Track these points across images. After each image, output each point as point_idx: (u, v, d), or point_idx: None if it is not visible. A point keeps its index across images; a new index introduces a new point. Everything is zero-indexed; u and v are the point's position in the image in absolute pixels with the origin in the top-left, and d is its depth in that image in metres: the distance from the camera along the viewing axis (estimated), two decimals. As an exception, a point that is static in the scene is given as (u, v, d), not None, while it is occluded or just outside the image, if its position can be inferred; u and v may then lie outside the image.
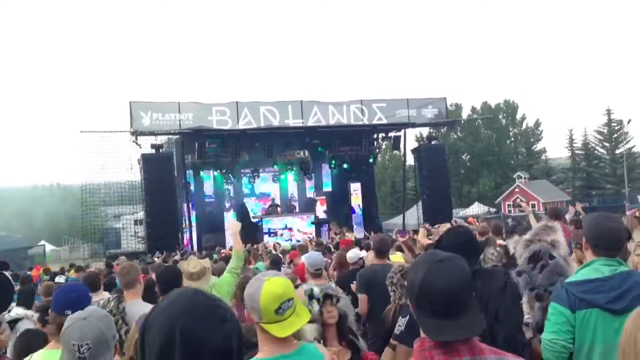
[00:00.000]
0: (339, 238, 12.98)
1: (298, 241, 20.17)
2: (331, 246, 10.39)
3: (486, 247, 5.53)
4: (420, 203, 25.61)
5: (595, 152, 56.02)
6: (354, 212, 26.23)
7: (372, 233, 15.12)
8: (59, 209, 57.89)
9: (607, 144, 54.59)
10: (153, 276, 6.32)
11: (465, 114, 57.56)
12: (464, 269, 1.75)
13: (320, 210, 25.79)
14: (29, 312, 4.63)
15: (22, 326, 4.26)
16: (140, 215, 24.69)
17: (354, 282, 5.19)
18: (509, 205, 46.72)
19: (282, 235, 22.22)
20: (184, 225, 21.89)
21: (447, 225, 7.69)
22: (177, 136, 21.62)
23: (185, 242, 21.26)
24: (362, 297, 4.93)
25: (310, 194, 26.93)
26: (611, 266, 2.59)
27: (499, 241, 6.54)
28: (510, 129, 61.77)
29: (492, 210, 44.56)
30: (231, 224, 5.58)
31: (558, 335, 2.53)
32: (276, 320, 2.09)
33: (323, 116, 22.10)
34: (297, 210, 26.01)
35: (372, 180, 27.45)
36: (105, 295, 4.85)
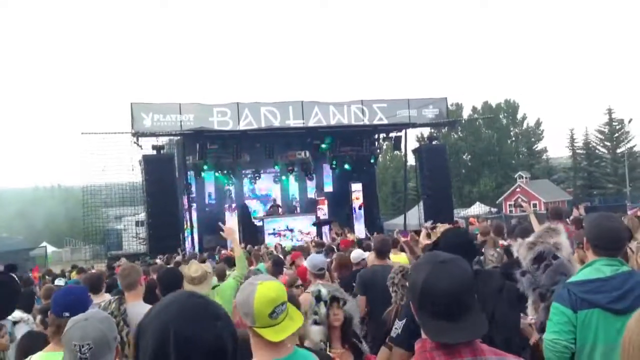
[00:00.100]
0: (340, 238, 12.98)
1: (299, 241, 20.20)
2: (334, 247, 10.38)
3: (486, 248, 5.53)
4: (421, 203, 25.60)
5: (597, 151, 55.96)
6: (355, 212, 26.23)
7: (375, 233, 15.15)
8: (60, 210, 57.90)
9: (608, 144, 54.52)
10: (154, 277, 6.33)
11: (466, 113, 57.52)
12: (466, 270, 1.75)
13: (322, 211, 25.80)
14: (25, 316, 4.63)
15: (19, 329, 4.26)
16: (142, 216, 24.71)
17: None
18: (510, 205, 46.66)
19: (284, 235, 22.25)
20: (185, 227, 21.90)
21: (446, 226, 7.68)
22: (178, 137, 21.63)
23: (188, 244, 21.27)
24: (361, 299, 4.92)
25: (311, 194, 26.94)
26: (613, 266, 2.59)
27: (501, 241, 6.54)
28: (511, 129, 61.71)
29: (494, 210, 44.55)
30: (227, 231, 5.05)
31: (560, 335, 2.53)
32: (270, 324, 2.08)
33: (324, 116, 22.09)
34: (298, 211, 26.02)
35: (373, 181, 27.45)
36: (107, 297, 4.85)
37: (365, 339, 4.01)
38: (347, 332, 3.16)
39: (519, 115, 61.70)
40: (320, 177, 26.78)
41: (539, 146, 60.65)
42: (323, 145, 23.93)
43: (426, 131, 28.33)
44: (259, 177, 25.36)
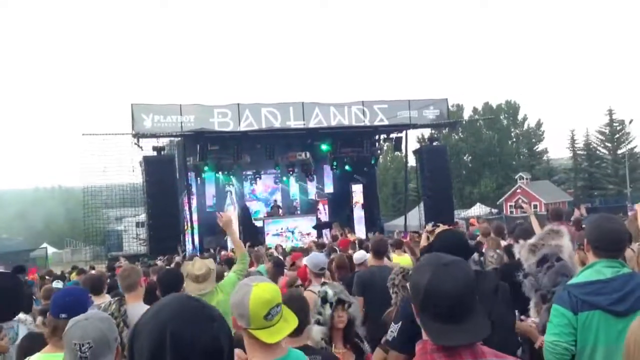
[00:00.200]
0: (341, 239, 12.95)
1: (299, 242, 20.21)
2: (335, 247, 10.37)
3: (487, 249, 5.53)
4: (422, 204, 25.58)
5: (597, 152, 55.94)
6: (356, 213, 26.22)
7: (373, 233, 15.15)
8: (60, 211, 57.94)
9: (609, 144, 54.49)
10: (154, 279, 6.33)
11: (466, 114, 57.49)
12: (468, 272, 1.75)
13: (322, 212, 25.81)
14: (23, 317, 4.63)
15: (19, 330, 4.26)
16: (142, 217, 24.70)
17: None
18: (510, 206, 46.63)
19: (285, 236, 22.28)
20: (185, 228, 21.89)
21: (446, 227, 7.68)
22: (179, 138, 21.62)
23: (188, 245, 21.26)
24: (359, 299, 4.91)
25: (311, 195, 26.94)
26: (613, 268, 2.58)
27: (503, 242, 6.54)
28: (512, 130, 61.71)
29: (494, 211, 44.48)
30: (224, 220, 4.82)
31: (560, 337, 2.52)
32: (265, 326, 2.07)
33: (324, 118, 22.08)
34: (299, 211, 26.04)
35: (373, 182, 27.44)
36: (108, 298, 4.85)
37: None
38: (350, 332, 3.19)
39: (520, 116, 61.70)
40: (320, 178, 26.78)
41: (540, 147, 60.67)
42: (323, 147, 23.93)
43: (427, 132, 28.31)
44: (260, 178, 25.37)
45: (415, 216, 26.98)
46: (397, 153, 32.12)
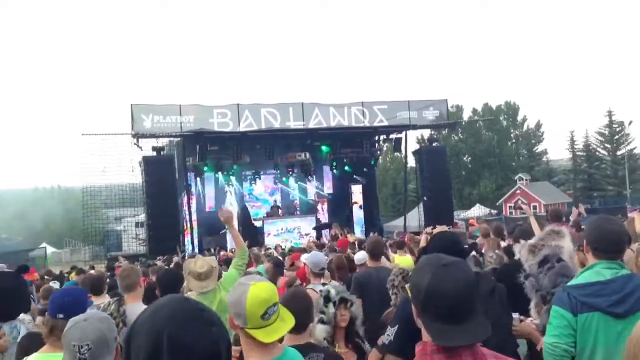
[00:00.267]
0: (340, 238, 12.95)
1: (298, 243, 20.21)
2: (335, 247, 10.38)
3: (486, 250, 5.53)
4: (421, 205, 25.59)
5: (597, 153, 55.95)
6: (355, 214, 26.24)
7: (374, 234, 15.14)
8: (59, 211, 57.88)
9: (609, 146, 54.51)
10: (154, 279, 6.33)
11: (466, 115, 57.52)
12: (469, 273, 1.75)
13: (322, 212, 25.82)
14: (22, 316, 4.64)
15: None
16: (142, 217, 24.70)
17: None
18: (510, 207, 46.66)
19: (286, 236, 22.28)
20: (184, 228, 21.89)
21: (444, 228, 7.69)
22: (179, 138, 21.62)
23: (188, 246, 21.25)
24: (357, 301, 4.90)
25: (311, 196, 26.95)
26: (613, 269, 2.58)
27: (502, 243, 6.54)
28: (512, 131, 61.75)
29: (494, 212, 44.49)
30: (224, 214, 4.77)
31: (559, 339, 2.52)
32: (262, 325, 2.07)
33: (324, 118, 22.09)
34: (299, 212, 26.05)
35: (373, 182, 27.46)
36: (107, 298, 4.84)
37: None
38: (351, 332, 3.21)
39: (519, 117, 61.75)
40: (320, 178, 26.80)
41: (539, 148, 60.72)
42: (323, 147, 23.94)
43: (426, 133, 28.34)
44: (259, 179, 25.39)
45: (415, 217, 26.98)
46: (396, 154, 32.12)
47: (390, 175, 59.80)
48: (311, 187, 26.82)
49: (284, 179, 25.98)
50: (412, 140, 49.90)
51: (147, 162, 20.61)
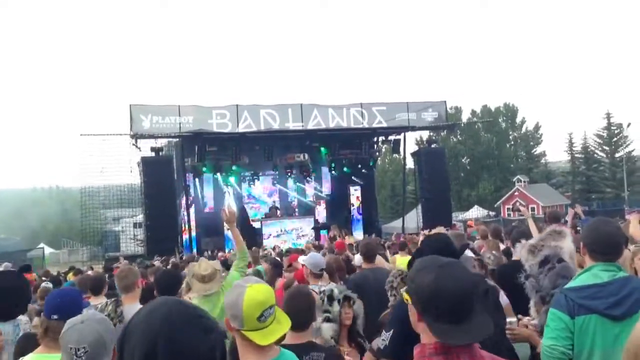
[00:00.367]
0: (338, 240, 12.95)
1: (297, 244, 20.19)
2: (333, 249, 10.37)
3: (484, 252, 5.53)
4: (419, 206, 25.62)
5: (595, 155, 55.97)
6: (354, 215, 26.23)
7: (372, 236, 15.16)
8: (58, 211, 57.82)
9: (607, 148, 54.54)
10: (152, 280, 6.31)
11: (465, 117, 57.61)
12: (469, 272, 1.77)
13: (320, 214, 25.81)
14: (20, 316, 4.64)
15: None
16: (140, 218, 24.69)
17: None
18: (508, 208, 46.67)
19: (284, 237, 22.28)
20: (183, 229, 21.87)
21: (442, 229, 7.68)
22: (177, 139, 21.63)
23: (188, 246, 21.24)
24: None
25: (310, 197, 26.95)
26: (610, 271, 2.58)
27: (502, 245, 6.54)
28: (510, 133, 61.79)
29: (492, 213, 44.49)
30: (228, 215, 4.74)
31: (557, 341, 2.52)
32: (258, 327, 2.06)
33: (323, 119, 22.10)
34: (297, 213, 26.03)
35: (372, 184, 27.47)
36: (104, 299, 4.83)
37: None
38: (354, 331, 3.22)
39: (518, 119, 61.80)
40: (319, 179, 26.80)
41: (538, 150, 60.75)
42: (322, 148, 23.95)
43: (425, 134, 28.41)
44: (258, 180, 25.38)
45: (413, 218, 26.99)
46: (395, 155, 32.20)
47: (388, 176, 59.80)
48: (310, 188, 26.82)
49: (282, 180, 25.96)
50: (410, 142, 50.00)
51: (145, 162, 20.59)
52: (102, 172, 21.84)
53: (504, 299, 3.77)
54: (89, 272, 10.34)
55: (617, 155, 53.27)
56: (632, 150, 53.11)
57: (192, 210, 22.76)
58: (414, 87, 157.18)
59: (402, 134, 24.24)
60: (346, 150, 23.92)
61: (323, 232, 22.71)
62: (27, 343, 3.12)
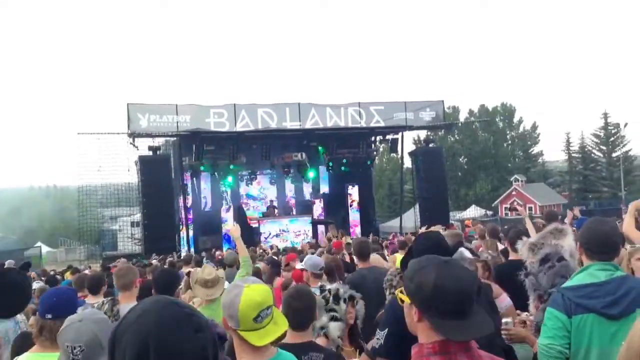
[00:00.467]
0: (334, 240, 12.96)
1: (294, 242, 20.21)
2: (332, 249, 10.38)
3: (481, 251, 5.54)
4: (417, 206, 25.64)
5: (592, 155, 56.05)
6: (351, 214, 26.23)
7: (371, 235, 15.15)
8: (55, 210, 57.74)
9: (604, 147, 54.61)
10: (150, 278, 6.31)
11: (462, 116, 57.59)
12: (469, 269, 1.79)
13: (318, 213, 25.80)
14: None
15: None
16: (137, 217, 24.68)
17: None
18: (506, 208, 46.74)
19: (283, 236, 22.29)
20: (180, 228, 21.87)
21: (439, 228, 7.71)
22: (175, 138, 21.62)
23: (185, 245, 21.24)
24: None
25: (307, 196, 26.95)
26: (607, 271, 2.59)
27: (500, 246, 6.55)
28: (508, 132, 61.82)
29: (489, 213, 44.56)
30: (232, 230, 5.15)
31: (554, 340, 2.53)
32: (254, 328, 2.06)
33: (320, 119, 22.12)
34: (295, 212, 26.02)
35: (369, 183, 27.47)
36: (102, 298, 4.83)
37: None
38: (355, 331, 3.24)
39: (516, 119, 61.81)
40: (316, 179, 26.80)
41: (535, 149, 60.78)
42: (319, 148, 23.96)
43: (423, 134, 28.41)
44: (255, 179, 25.36)
45: (411, 218, 27.02)
46: (393, 154, 32.19)
47: (386, 175, 59.79)
48: (307, 187, 26.82)
49: (280, 179, 25.95)
50: (408, 141, 49.81)
51: (143, 161, 20.58)
52: (99, 170, 21.87)
53: (507, 300, 3.77)
54: (87, 271, 10.34)
55: (614, 154, 53.35)
56: (629, 150, 53.25)
57: (189, 209, 22.75)
58: (412, 86, 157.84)
59: (400, 134, 24.24)
60: (344, 150, 23.92)
61: (321, 228, 22.74)
62: (23, 342, 3.12)
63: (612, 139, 53.72)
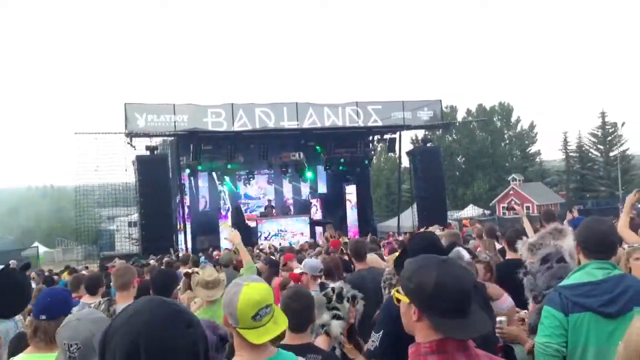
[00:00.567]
0: (332, 240, 12.97)
1: (292, 242, 20.21)
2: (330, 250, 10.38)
3: (479, 251, 5.55)
4: (415, 205, 25.65)
5: (590, 154, 56.18)
6: (349, 214, 26.25)
7: (369, 234, 15.16)
8: (52, 210, 57.65)
9: (601, 147, 54.74)
10: (148, 278, 6.30)
11: (460, 116, 57.67)
12: (467, 268, 1.79)
13: (316, 212, 25.82)
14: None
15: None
16: (135, 217, 24.63)
17: None
18: (503, 207, 46.81)
19: (282, 235, 22.30)
20: (178, 227, 21.85)
21: (436, 227, 7.71)
22: (172, 138, 21.59)
23: (183, 245, 21.21)
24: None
25: (305, 195, 26.96)
26: (604, 269, 2.60)
27: (497, 245, 6.56)
28: (505, 132, 61.93)
29: (487, 212, 44.62)
30: (231, 237, 5.04)
31: (551, 339, 2.54)
32: (253, 326, 2.07)
33: (318, 118, 22.12)
34: (292, 212, 26.04)
35: (367, 183, 27.49)
36: (100, 298, 4.83)
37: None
38: (352, 329, 3.25)
39: (513, 118, 61.94)
40: (314, 178, 26.82)
41: (533, 149, 60.90)
42: (317, 147, 23.97)
43: (420, 133, 28.41)
44: (253, 178, 25.37)
45: (409, 217, 27.04)
46: (390, 154, 32.20)
47: (384, 175, 59.87)
48: (305, 187, 26.83)
49: (278, 178, 25.96)
50: (406, 141, 50.03)
51: (140, 161, 20.55)
52: (96, 170, 21.81)
53: (508, 300, 3.77)
54: (84, 272, 10.32)
55: (611, 154, 53.46)
56: (627, 149, 53.39)
57: (187, 209, 22.74)
58: (410, 86, 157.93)
59: (398, 133, 24.26)
60: (341, 149, 23.94)
61: (319, 229, 22.76)
62: (19, 343, 3.12)
63: (609, 138, 53.84)
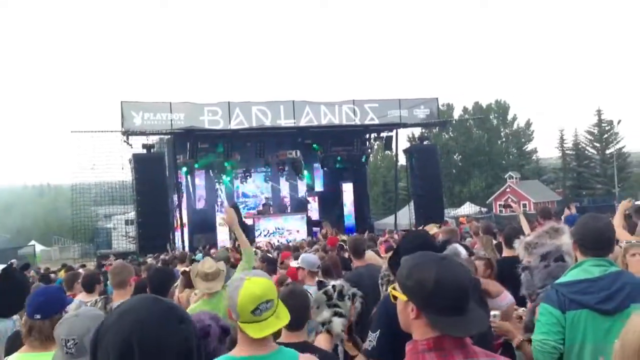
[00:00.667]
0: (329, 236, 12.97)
1: (289, 240, 20.21)
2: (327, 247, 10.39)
3: (477, 249, 5.55)
4: (412, 203, 25.68)
5: (586, 152, 56.27)
6: (346, 212, 26.25)
7: (366, 232, 15.18)
8: (49, 208, 57.49)
9: (598, 144, 54.84)
10: (145, 276, 6.29)
11: (456, 114, 57.70)
12: (464, 265, 1.79)
13: (312, 210, 25.82)
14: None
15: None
16: (131, 215, 24.60)
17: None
18: (500, 205, 46.88)
19: (279, 232, 22.30)
20: (175, 225, 21.83)
21: (432, 226, 7.72)
22: (169, 136, 21.56)
23: (180, 243, 21.19)
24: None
25: (302, 193, 26.95)
26: (601, 267, 2.60)
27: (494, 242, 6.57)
28: (502, 129, 61.99)
29: (484, 210, 44.68)
30: (227, 219, 4.80)
31: (548, 336, 2.54)
32: (253, 320, 2.07)
33: (315, 116, 22.11)
34: (289, 210, 26.04)
35: (364, 180, 27.51)
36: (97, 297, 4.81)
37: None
38: (351, 327, 3.25)
39: (510, 116, 62.01)
40: (311, 176, 26.81)
41: (529, 147, 60.98)
42: (314, 145, 23.96)
43: (417, 131, 28.43)
44: (250, 176, 25.35)
45: (406, 215, 27.06)
46: (387, 152, 32.18)
47: (381, 173, 59.88)
48: (302, 185, 26.82)
49: (274, 176, 25.93)
50: (402, 139, 49.91)
51: (137, 159, 20.51)
52: (93, 169, 21.79)
53: (508, 297, 3.78)
54: (80, 270, 10.29)
55: (607, 151, 53.57)
56: (623, 147, 53.51)
57: (184, 207, 22.71)
58: (406, 84, 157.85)
59: (394, 131, 24.27)
60: (338, 147, 23.94)
61: (316, 229, 22.74)
62: (14, 342, 3.11)
63: (605, 135, 53.94)
